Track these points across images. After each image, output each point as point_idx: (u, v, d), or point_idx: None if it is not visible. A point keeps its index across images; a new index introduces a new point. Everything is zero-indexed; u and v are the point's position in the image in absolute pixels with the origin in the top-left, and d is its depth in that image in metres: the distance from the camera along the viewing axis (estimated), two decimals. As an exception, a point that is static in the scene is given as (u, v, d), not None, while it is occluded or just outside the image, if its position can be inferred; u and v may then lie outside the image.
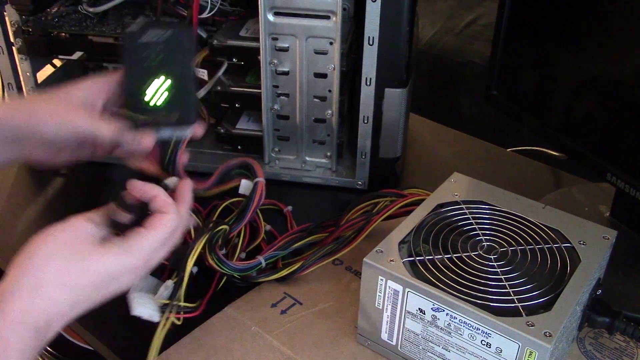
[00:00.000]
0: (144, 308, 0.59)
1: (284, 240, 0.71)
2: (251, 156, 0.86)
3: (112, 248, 0.51)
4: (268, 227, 0.74)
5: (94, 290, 0.50)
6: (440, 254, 0.57)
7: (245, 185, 0.72)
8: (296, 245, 0.70)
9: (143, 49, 0.62)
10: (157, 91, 0.62)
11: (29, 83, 0.89)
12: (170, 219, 0.53)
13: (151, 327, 0.60)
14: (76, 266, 0.49)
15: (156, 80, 0.62)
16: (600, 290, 0.59)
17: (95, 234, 0.52)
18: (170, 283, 0.63)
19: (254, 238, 0.72)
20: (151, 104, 0.62)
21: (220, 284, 0.67)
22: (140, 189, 0.55)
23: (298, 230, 0.73)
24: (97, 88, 0.62)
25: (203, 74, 0.84)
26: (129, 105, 0.62)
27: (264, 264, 0.67)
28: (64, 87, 0.62)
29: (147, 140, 0.61)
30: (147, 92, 0.62)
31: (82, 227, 0.51)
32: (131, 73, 0.63)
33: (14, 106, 0.63)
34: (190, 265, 0.62)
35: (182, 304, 0.61)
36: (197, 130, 0.63)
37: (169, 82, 0.62)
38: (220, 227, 0.67)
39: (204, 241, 0.65)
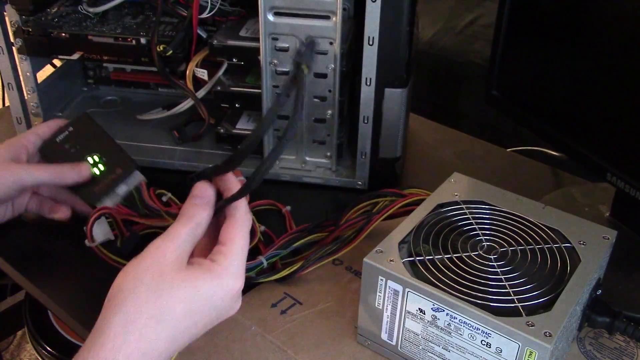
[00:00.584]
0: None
1: (284, 239, 0.71)
2: (251, 156, 0.86)
3: (198, 271, 0.49)
4: (262, 227, 0.74)
5: (190, 320, 0.48)
6: (440, 254, 0.57)
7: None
8: (296, 244, 0.70)
9: (63, 144, 0.73)
10: (94, 165, 0.72)
11: (29, 83, 0.89)
12: (241, 224, 0.51)
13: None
14: (166, 296, 0.46)
15: (88, 158, 0.72)
16: (600, 290, 0.59)
17: (178, 255, 0.49)
18: None
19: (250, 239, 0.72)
20: (95, 175, 0.72)
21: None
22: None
23: (298, 230, 0.73)
24: (19, 144, 0.71)
25: (203, 74, 0.84)
26: (80, 189, 0.72)
27: (265, 263, 0.67)
28: None
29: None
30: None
31: (162, 251, 0.49)
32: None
33: None
34: None
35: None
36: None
37: (96, 156, 0.72)
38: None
39: None
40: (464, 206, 0.63)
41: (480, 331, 0.52)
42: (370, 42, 0.74)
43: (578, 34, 0.71)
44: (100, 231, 0.68)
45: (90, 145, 0.73)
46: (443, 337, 0.54)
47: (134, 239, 0.70)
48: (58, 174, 0.70)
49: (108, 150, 0.73)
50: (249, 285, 0.67)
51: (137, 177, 0.72)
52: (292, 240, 0.70)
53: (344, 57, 0.77)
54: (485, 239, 0.59)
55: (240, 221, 0.51)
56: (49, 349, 1.13)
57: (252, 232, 0.72)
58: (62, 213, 0.73)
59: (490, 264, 0.56)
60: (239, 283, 0.50)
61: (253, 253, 0.69)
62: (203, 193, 0.52)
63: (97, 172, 0.72)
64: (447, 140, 1.00)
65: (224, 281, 0.49)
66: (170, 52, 0.80)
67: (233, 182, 0.53)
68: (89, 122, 0.75)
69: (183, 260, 0.49)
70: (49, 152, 0.73)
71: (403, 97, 0.78)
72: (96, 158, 0.73)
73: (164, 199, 0.72)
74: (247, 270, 0.66)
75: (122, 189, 0.72)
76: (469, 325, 0.52)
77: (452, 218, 0.62)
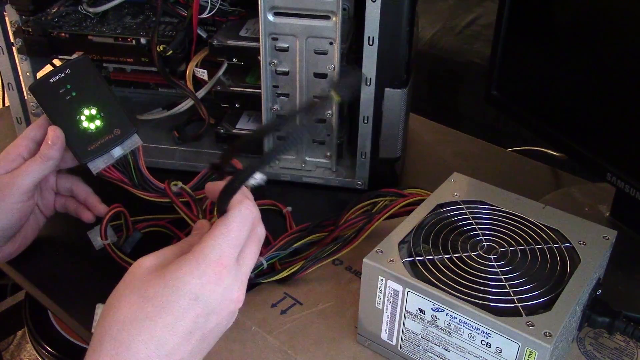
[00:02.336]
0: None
1: (283, 240, 0.71)
2: (251, 156, 0.87)
3: (172, 265, 0.47)
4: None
5: (182, 321, 0.45)
6: (440, 254, 0.57)
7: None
8: (296, 245, 0.70)
9: (56, 88, 0.66)
10: (90, 119, 0.66)
11: (29, 83, 0.89)
12: (231, 215, 0.49)
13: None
14: (150, 300, 0.46)
15: (85, 110, 0.66)
16: (600, 290, 0.59)
17: (156, 263, 0.48)
18: None
19: None
20: (91, 130, 0.67)
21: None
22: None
23: (297, 230, 0.73)
24: (14, 154, 0.67)
25: (203, 74, 0.84)
26: (72, 141, 0.66)
27: (265, 264, 0.67)
28: None
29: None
30: (82, 123, 0.67)
31: (138, 263, 0.49)
32: (57, 114, 0.67)
33: None
34: None
35: None
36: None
37: (94, 109, 0.66)
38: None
39: None
40: (463, 206, 0.63)
41: (480, 331, 0.52)
42: (370, 42, 0.74)
43: (578, 34, 0.71)
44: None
45: (87, 95, 0.67)
46: (443, 337, 0.54)
47: (135, 238, 0.70)
48: (45, 160, 0.65)
49: (107, 105, 0.67)
50: (249, 286, 0.67)
51: (135, 141, 0.69)
52: (291, 241, 0.70)
53: (344, 57, 0.77)
54: (485, 239, 0.59)
55: (231, 213, 0.50)
56: (49, 349, 1.13)
57: None
58: (86, 215, 0.71)
59: (490, 264, 0.56)
60: (220, 269, 0.47)
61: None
62: (200, 226, 0.54)
63: (93, 128, 0.66)
64: (447, 140, 1.00)
65: (199, 266, 0.46)
66: (170, 52, 0.80)
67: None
68: (88, 67, 0.68)
69: (161, 265, 0.48)
70: (41, 94, 0.67)
71: (403, 97, 0.78)
72: (93, 112, 0.67)
73: (175, 188, 0.71)
74: None
75: (118, 152, 0.67)
76: (469, 325, 0.52)
77: (452, 218, 0.62)
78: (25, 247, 0.71)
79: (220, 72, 0.83)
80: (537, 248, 0.58)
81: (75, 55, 0.82)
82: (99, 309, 0.57)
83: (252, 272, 0.66)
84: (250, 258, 0.50)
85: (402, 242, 0.59)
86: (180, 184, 0.72)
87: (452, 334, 0.54)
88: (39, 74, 0.90)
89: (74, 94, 0.66)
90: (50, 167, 0.66)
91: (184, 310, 0.46)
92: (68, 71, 0.66)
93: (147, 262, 0.48)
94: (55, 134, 0.65)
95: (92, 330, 0.56)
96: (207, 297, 0.46)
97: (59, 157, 0.66)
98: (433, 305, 0.53)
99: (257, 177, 0.59)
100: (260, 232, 0.52)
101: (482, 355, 0.53)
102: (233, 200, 0.50)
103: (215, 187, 0.53)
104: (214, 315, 0.48)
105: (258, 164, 0.50)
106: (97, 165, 0.67)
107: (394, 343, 0.58)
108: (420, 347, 0.57)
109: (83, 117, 0.67)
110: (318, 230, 0.72)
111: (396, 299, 0.56)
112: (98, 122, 0.67)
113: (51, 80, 0.66)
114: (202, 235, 0.49)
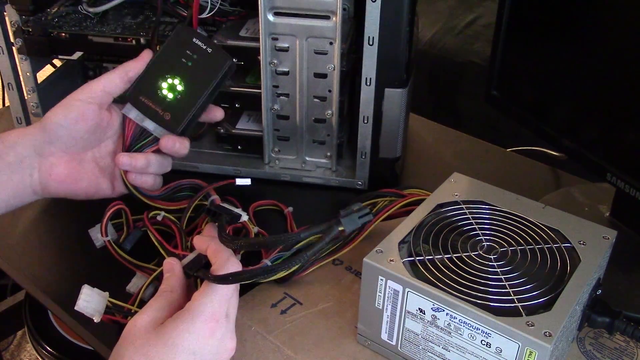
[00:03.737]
0: (87, 304, 0.58)
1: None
2: (251, 156, 0.87)
3: (169, 324, 0.50)
4: (256, 228, 0.73)
5: None
6: (440, 254, 0.57)
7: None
8: (298, 245, 0.70)
9: (188, 47, 0.66)
10: (170, 88, 0.65)
11: (29, 83, 0.89)
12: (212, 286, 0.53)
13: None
14: (153, 359, 0.49)
15: (177, 80, 0.66)
16: (600, 290, 0.59)
17: (150, 320, 0.51)
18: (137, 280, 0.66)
19: None
20: (160, 92, 0.66)
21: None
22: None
23: (298, 232, 0.73)
24: (98, 89, 0.66)
25: (203, 73, 0.84)
26: (141, 81, 0.66)
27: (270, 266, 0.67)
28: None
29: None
30: (165, 80, 0.67)
31: (132, 322, 0.51)
32: (164, 57, 0.67)
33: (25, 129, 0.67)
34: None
35: (134, 308, 0.61)
36: (177, 144, 0.67)
37: (182, 88, 0.66)
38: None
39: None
40: (463, 206, 0.63)
41: (480, 331, 0.52)
42: (370, 42, 0.74)
43: (578, 34, 0.71)
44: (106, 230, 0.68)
45: (193, 77, 0.66)
46: (443, 337, 0.54)
47: (135, 236, 0.70)
48: (124, 68, 0.67)
49: (190, 99, 0.66)
50: (250, 286, 0.67)
51: (165, 135, 0.68)
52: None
53: (344, 57, 0.77)
54: (485, 239, 0.59)
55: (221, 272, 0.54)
56: (49, 349, 1.13)
57: (248, 235, 0.72)
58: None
59: (490, 264, 0.56)
60: (213, 324, 0.51)
61: (255, 257, 0.69)
62: (170, 267, 0.57)
63: (161, 93, 0.66)
64: (447, 140, 1.00)
65: (194, 323, 0.50)
66: (171, 52, 0.80)
67: (221, 257, 0.56)
68: (221, 67, 0.67)
69: (156, 323, 0.51)
70: (178, 36, 0.67)
71: (403, 97, 0.78)
72: (178, 88, 0.66)
73: (159, 218, 0.71)
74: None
75: (151, 125, 0.67)
76: (469, 325, 0.52)
77: (452, 218, 0.62)
78: (75, 189, 0.68)
79: (220, 72, 0.83)
80: (537, 248, 0.58)
81: (76, 55, 0.82)
82: (85, 288, 0.58)
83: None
84: (234, 307, 0.55)
85: (402, 242, 0.59)
86: (162, 213, 0.71)
87: (452, 333, 0.54)
88: (40, 75, 0.90)
89: (189, 63, 0.66)
90: (125, 80, 0.67)
91: None
92: (209, 50, 0.66)
93: (141, 321, 0.51)
94: (146, 54, 0.67)
95: (75, 308, 0.58)
96: (203, 351, 0.50)
97: (136, 70, 0.66)
98: (433, 305, 0.53)
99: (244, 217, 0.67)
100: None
101: (482, 355, 0.53)
102: (219, 259, 0.55)
103: (202, 244, 0.58)
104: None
105: (256, 275, 0.56)
106: (131, 112, 0.66)
107: (394, 343, 0.58)
108: (420, 347, 0.57)
109: (169, 80, 0.66)
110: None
111: (396, 299, 0.56)
112: (169, 95, 0.66)
113: (194, 39, 0.66)
114: (176, 276, 0.56)
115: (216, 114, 0.71)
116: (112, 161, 0.69)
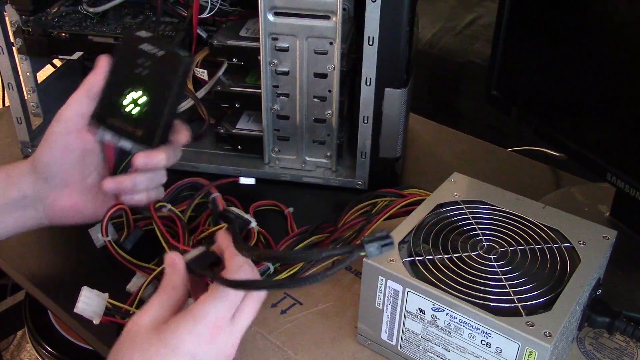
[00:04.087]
0: (86, 306, 0.58)
1: (286, 242, 0.71)
2: (251, 156, 0.87)
3: (171, 324, 0.50)
4: (255, 223, 0.73)
5: None
6: (440, 254, 0.57)
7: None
8: (299, 246, 0.70)
9: (137, 56, 0.62)
10: (134, 102, 0.62)
11: (29, 83, 0.89)
12: (217, 290, 0.52)
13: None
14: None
15: (139, 92, 0.62)
16: (600, 290, 0.59)
17: (152, 319, 0.50)
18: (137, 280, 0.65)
19: (247, 241, 0.72)
20: (125, 110, 0.63)
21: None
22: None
23: (298, 233, 0.73)
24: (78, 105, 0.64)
25: (203, 74, 0.84)
26: (104, 101, 0.63)
27: (272, 268, 0.67)
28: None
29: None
30: (126, 96, 0.63)
31: (134, 321, 0.51)
32: (118, 72, 0.64)
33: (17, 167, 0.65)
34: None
35: (132, 309, 0.61)
36: (154, 159, 0.63)
37: (145, 99, 0.62)
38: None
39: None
40: (464, 206, 0.63)
41: (480, 331, 0.52)
42: (370, 42, 0.74)
43: (578, 34, 0.71)
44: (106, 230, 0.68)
45: (153, 85, 0.62)
46: (443, 337, 0.54)
47: (136, 236, 0.70)
48: (87, 85, 0.63)
49: (157, 108, 0.62)
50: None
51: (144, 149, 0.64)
52: (293, 243, 0.70)
53: (344, 57, 0.77)
54: (485, 239, 0.59)
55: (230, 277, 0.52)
56: (49, 349, 1.13)
57: (249, 235, 0.72)
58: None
59: (490, 264, 0.56)
60: (215, 330, 0.50)
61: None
62: (172, 262, 0.55)
63: (127, 110, 0.62)
64: (447, 140, 1.00)
65: (196, 327, 0.49)
66: (170, 52, 0.80)
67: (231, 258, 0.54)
68: (179, 67, 0.62)
69: (158, 322, 0.50)
70: (123, 46, 0.63)
71: (403, 97, 0.78)
72: (142, 100, 0.62)
73: (164, 210, 0.71)
74: None
75: (127, 145, 0.63)
76: (469, 325, 0.52)
77: (452, 218, 0.62)
78: (82, 216, 0.67)
79: (220, 72, 0.83)
80: (537, 248, 0.58)
81: (75, 55, 0.81)
82: (84, 290, 0.58)
83: (262, 276, 0.66)
84: (247, 314, 0.53)
85: (402, 242, 0.59)
86: (169, 205, 0.71)
87: (452, 333, 0.54)
88: (40, 75, 0.90)
89: (145, 72, 0.62)
90: (92, 97, 0.63)
91: None
92: (161, 53, 0.62)
93: (143, 320, 0.50)
94: (103, 62, 0.64)
95: (75, 311, 0.58)
96: (202, 355, 0.50)
97: (98, 83, 0.63)
98: (433, 305, 0.53)
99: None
100: (263, 292, 0.54)
101: (482, 355, 0.53)
102: (233, 264, 0.53)
103: (225, 241, 0.55)
104: None
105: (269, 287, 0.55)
106: (106, 135, 0.63)
107: (394, 343, 0.58)
108: (420, 347, 0.57)
109: (131, 95, 0.63)
110: (318, 231, 0.72)
111: (396, 299, 0.56)
112: (135, 110, 0.62)
113: (140, 46, 0.62)
114: (178, 271, 0.53)
115: (181, 136, 0.66)
116: None
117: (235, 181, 0.75)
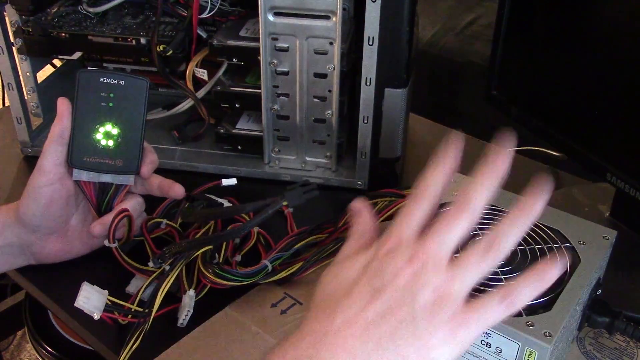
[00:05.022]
0: (87, 300, 0.58)
1: (284, 242, 0.71)
2: (251, 156, 0.87)
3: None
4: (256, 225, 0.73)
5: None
6: (440, 254, 0.57)
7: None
8: (297, 246, 0.70)
9: (100, 89, 0.64)
10: (106, 136, 0.64)
11: (29, 83, 0.89)
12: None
13: (151, 327, 0.60)
14: None
15: (108, 125, 0.64)
16: (600, 290, 0.59)
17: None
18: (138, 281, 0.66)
19: (246, 240, 0.72)
20: (99, 145, 0.65)
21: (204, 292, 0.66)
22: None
23: (298, 233, 0.73)
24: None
25: (203, 74, 0.84)
26: (75, 142, 0.64)
27: (270, 267, 0.67)
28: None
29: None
30: (98, 131, 0.65)
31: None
32: (83, 110, 0.65)
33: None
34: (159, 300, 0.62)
35: (134, 307, 0.61)
36: (143, 171, 0.67)
37: (117, 130, 0.65)
38: (205, 248, 0.66)
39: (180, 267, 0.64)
40: (464, 206, 0.63)
41: (480, 331, 0.51)
42: (370, 42, 0.74)
43: (578, 34, 0.71)
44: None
45: (121, 114, 0.64)
46: (443, 337, 0.54)
47: (134, 241, 0.69)
48: (57, 133, 0.64)
49: (130, 136, 0.65)
50: (250, 286, 0.67)
51: (128, 180, 0.67)
52: (292, 243, 0.70)
53: (344, 57, 0.77)
54: (485, 239, 0.59)
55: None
56: (49, 349, 1.13)
57: (249, 236, 0.72)
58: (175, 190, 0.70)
59: (490, 264, 0.56)
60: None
61: (255, 257, 0.69)
62: (358, 209, 0.55)
63: (102, 144, 0.64)
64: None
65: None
66: (170, 52, 0.80)
67: None
68: (142, 92, 0.65)
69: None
70: (84, 83, 0.64)
71: (403, 97, 0.78)
72: (114, 132, 0.65)
73: (162, 226, 0.71)
74: (253, 274, 0.66)
75: (107, 178, 0.65)
76: (469, 325, 0.52)
77: (452, 218, 0.62)
78: (71, 255, 0.69)
79: (220, 72, 0.83)
80: (537, 248, 0.58)
81: (76, 55, 0.82)
82: (85, 285, 0.59)
83: (257, 275, 0.66)
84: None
85: (402, 242, 0.58)
86: (164, 221, 0.71)
87: (452, 334, 0.53)
88: (40, 75, 0.90)
89: (111, 104, 0.64)
90: (65, 143, 0.64)
91: None
92: (122, 82, 0.64)
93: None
94: (64, 106, 0.64)
95: (75, 305, 0.57)
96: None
97: (67, 128, 0.64)
98: (433, 305, 0.53)
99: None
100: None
101: (482, 355, 0.52)
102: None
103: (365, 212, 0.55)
104: None
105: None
106: (81, 175, 0.65)
107: (394, 343, 0.58)
108: (420, 347, 0.56)
109: (102, 130, 0.65)
110: (318, 232, 0.72)
111: (396, 299, 0.55)
112: (110, 143, 0.65)
113: (101, 79, 0.64)
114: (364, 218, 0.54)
115: (177, 191, 0.69)
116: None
117: (218, 184, 0.78)
